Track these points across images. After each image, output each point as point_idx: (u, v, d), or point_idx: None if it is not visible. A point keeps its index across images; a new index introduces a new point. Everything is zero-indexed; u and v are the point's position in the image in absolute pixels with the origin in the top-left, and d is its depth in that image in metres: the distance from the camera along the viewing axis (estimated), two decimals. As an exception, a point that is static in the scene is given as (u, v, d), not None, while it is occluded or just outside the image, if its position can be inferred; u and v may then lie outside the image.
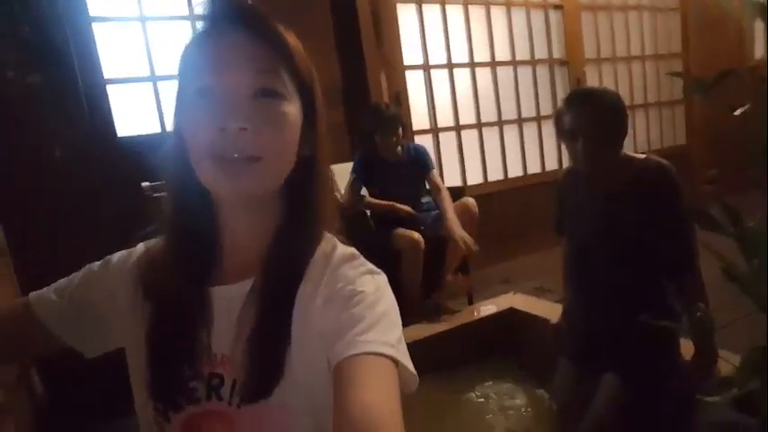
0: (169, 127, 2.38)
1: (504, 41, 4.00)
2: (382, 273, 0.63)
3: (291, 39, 0.62)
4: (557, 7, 4.21)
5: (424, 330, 2.32)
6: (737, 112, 1.39)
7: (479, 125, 3.92)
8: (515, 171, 4.09)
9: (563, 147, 4.29)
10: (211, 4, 0.61)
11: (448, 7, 3.73)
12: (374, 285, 0.60)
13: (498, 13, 3.96)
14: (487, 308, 2.52)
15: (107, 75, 2.62)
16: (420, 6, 3.61)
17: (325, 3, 3.12)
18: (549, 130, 4.27)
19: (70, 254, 0.83)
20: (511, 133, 4.08)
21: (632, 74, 4.75)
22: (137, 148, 2.62)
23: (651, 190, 1.57)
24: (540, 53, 4.18)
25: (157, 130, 2.80)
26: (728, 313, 0.92)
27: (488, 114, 3.96)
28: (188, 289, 0.63)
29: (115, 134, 2.67)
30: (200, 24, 0.62)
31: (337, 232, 0.68)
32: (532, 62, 4.14)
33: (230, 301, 0.62)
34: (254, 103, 0.58)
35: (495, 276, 3.42)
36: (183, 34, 2.82)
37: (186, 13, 2.80)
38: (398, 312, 0.60)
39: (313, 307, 0.60)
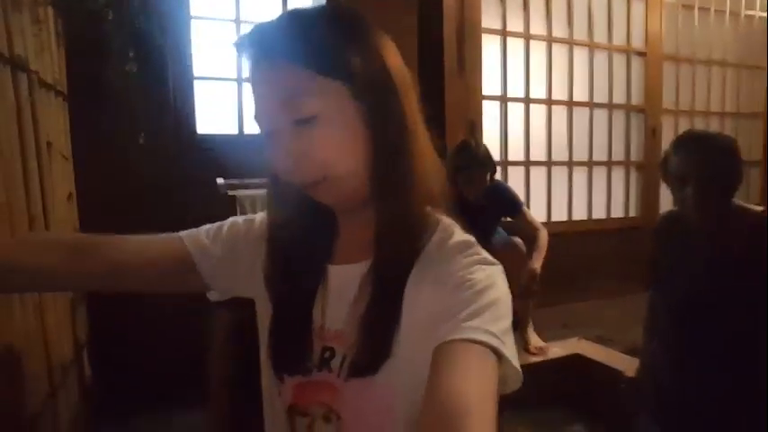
0: (247, 129, 2.27)
1: (584, 83, 3.82)
2: (498, 263, 0.60)
3: (322, 32, 0.58)
4: (640, 54, 4.00)
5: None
6: None
7: (549, 163, 3.73)
8: (580, 214, 3.86)
9: (632, 195, 4.08)
10: (239, 46, 0.61)
11: (532, 42, 3.58)
12: (486, 274, 0.57)
13: (581, 54, 3.79)
14: (553, 350, 2.30)
15: (196, 71, 2.58)
16: (505, 39, 3.49)
17: (413, 23, 3.02)
18: (618, 175, 4.04)
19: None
20: (580, 175, 3.86)
21: (709, 129, 4.44)
22: (215, 146, 2.58)
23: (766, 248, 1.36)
24: (618, 98, 3.97)
25: (235, 131, 2.74)
26: None
27: (559, 154, 3.77)
28: (307, 265, 0.65)
29: (195, 130, 2.62)
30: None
31: (447, 210, 0.66)
32: (609, 106, 3.94)
33: (347, 280, 0.63)
34: (295, 134, 0.57)
35: (552, 319, 3.17)
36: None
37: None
38: (510, 305, 0.56)
39: (423, 290, 0.58)
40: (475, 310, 0.52)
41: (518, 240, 2.51)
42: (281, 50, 0.57)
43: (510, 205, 2.50)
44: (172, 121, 2.49)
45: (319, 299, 0.64)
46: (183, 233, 0.70)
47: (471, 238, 0.62)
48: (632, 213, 4.06)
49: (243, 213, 2.15)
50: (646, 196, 4.05)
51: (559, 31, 3.68)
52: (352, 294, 0.62)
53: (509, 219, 2.63)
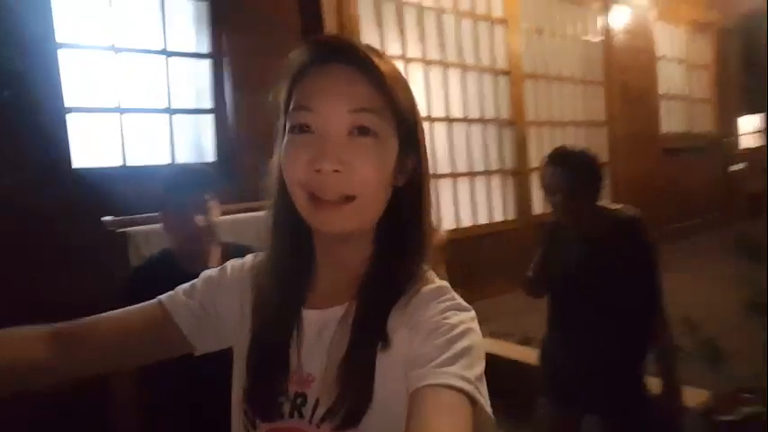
0: (131, 161, 2.08)
1: (459, 100, 4.05)
2: (471, 309, 0.59)
3: (389, 70, 0.59)
4: (504, 73, 4.33)
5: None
6: (736, 168, 1.43)
7: (435, 176, 3.88)
8: (466, 221, 4.06)
9: (509, 200, 4.37)
10: (310, 45, 0.59)
11: (410, 64, 3.72)
12: (460, 319, 0.56)
13: (454, 74, 4.02)
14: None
15: (70, 102, 2.33)
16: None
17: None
18: (496, 183, 4.31)
19: (13, 294, 0.64)
20: (463, 185, 4.07)
21: (566, 138, 4.92)
22: (96, 181, 2.34)
23: (624, 238, 1.60)
24: (490, 113, 4.26)
25: (119, 162, 2.51)
26: None
27: (443, 167, 3.94)
28: (283, 309, 0.63)
29: (70, 164, 2.36)
30: (300, 62, 0.59)
31: (433, 264, 0.64)
32: (483, 120, 4.20)
33: (322, 325, 0.61)
34: (348, 142, 0.56)
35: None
36: (156, 68, 2.59)
37: (161, 47, 2.58)
38: (483, 351, 0.55)
39: (398, 336, 0.57)
40: (450, 357, 0.51)
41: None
42: (367, 62, 0.57)
43: None
44: (42, 157, 2.22)
45: (294, 344, 0.62)
46: (161, 297, 0.67)
47: (445, 284, 0.61)
48: (511, 216, 4.36)
49: (136, 251, 1.96)
50: (520, 200, 4.37)
51: (434, 53, 3.87)
52: (327, 340, 0.59)
53: None
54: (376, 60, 0.57)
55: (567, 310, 1.72)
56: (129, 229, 1.98)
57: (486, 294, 3.79)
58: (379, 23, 3.56)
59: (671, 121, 6.16)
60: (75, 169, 2.35)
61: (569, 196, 1.59)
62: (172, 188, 1.48)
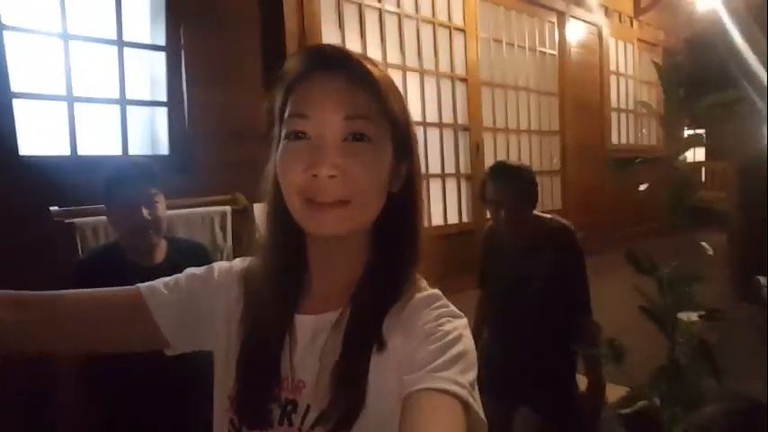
0: (81, 150, 2.04)
1: (417, 104, 4.14)
2: (463, 316, 0.61)
3: (382, 77, 0.60)
4: (462, 80, 4.46)
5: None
6: (642, 188, 1.55)
7: (392, 177, 3.95)
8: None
9: (464, 203, 4.50)
10: (305, 53, 0.61)
11: (370, 67, 3.78)
12: (453, 326, 0.58)
13: (413, 79, 4.11)
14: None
15: (17, 88, 2.28)
16: (345, 63, 3.63)
17: (257, 59, 3.00)
18: (451, 186, 4.43)
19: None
20: (419, 187, 4.15)
21: (520, 144, 5.11)
22: (44, 169, 2.30)
23: (557, 245, 1.75)
24: (447, 118, 4.37)
25: (67, 152, 2.47)
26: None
27: (400, 168, 4.01)
28: (276, 314, 0.63)
29: (17, 151, 2.30)
30: (296, 69, 0.60)
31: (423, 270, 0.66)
32: (440, 125, 4.31)
33: (314, 331, 0.62)
34: (344, 148, 0.57)
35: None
36: (110, 58, 2.55)
37: (114, 37, 2.55)
38: (476, 357, 0.57)
39: (393, 342, 0.58)
40: (444, 362, 0.53)
41: None
42: (362, 70, 0.58)
43: None
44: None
45: (287, 350, 0.62)
46: (140, 285, 0.66)
47: (437, 291, 0.63)
48: (465, 219, 4.49)
49: (84, 243, 1.95)
50: (475, 203, 4.51)
51: (393, 57, 3.96)
52: (320, 346, 0.60)
53: None
54: (370, 68, 0.59)
55: (503, 311, 1.83)
56: (76, 219, 1.96)
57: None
58: (340, 24, 3.61)
59: (621, 134, 6.48)
60: (22, 156, 2.30)
61: (511, 207, 1.70)
62: (117, 181, 1.48)
